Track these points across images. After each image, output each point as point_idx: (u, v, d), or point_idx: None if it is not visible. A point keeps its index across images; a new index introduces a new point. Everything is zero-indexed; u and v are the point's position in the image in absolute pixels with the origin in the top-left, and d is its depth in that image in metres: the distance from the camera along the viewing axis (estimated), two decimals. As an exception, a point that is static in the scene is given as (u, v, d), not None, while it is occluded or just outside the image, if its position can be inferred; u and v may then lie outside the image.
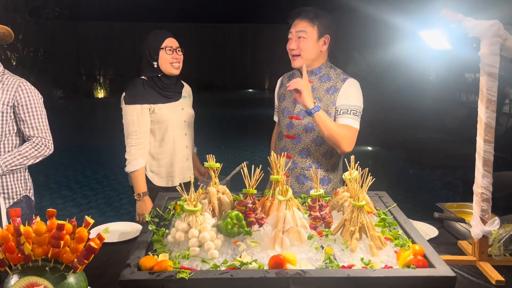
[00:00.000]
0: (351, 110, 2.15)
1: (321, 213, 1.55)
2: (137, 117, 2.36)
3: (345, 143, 2.09)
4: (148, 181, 2.44)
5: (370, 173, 1.56)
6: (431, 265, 1.34)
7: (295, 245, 1.45)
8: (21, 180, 2.26)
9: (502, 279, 1.52)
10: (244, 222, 1.48)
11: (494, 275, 1.54)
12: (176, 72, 2.46)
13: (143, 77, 2.45)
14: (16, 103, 2.14)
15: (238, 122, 12.65)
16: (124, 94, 2.41)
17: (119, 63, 17.89)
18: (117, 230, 1.94)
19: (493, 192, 1.62)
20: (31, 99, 2.19)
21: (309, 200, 1.64)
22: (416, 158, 7.61)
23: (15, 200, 2.23)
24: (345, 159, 1.68)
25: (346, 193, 1.65)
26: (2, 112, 2.12)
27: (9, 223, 1.29)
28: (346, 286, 1.26)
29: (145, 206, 2.38)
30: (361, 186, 1.53)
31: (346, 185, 1.69)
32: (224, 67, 22.75)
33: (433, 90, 10.80)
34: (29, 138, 2.20)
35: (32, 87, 2.21)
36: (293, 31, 2.18)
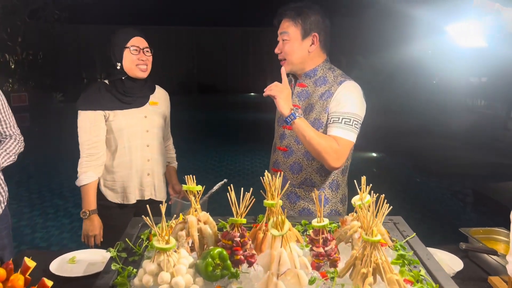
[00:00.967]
0: (342, 119, 1.80)
1: (326, 249, 1.26)
2: (89, 125, 2.09)
3: (331, 157, 1.76)
4: (102, 197, 2.15)
5: (374, 180, 1.26)
6: (466, 322, 1.04)
7: (293, 291, 1.15)
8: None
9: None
10: (229, 262, 1.18)
11: (540, 327, 1.25)
12: (142, 75, 2.15)
13: (106, 80, 2.18)
14: None
15: (240, 126, 12.41)
16: (79, 98, 2.14)
17: (119, 66, 17.67)
18: (85, 260, 1.65)
19: (507, 202, 1.34)
20: (2, 99, 2.10)
21: (310, 230, 1.35)
22: (423, 165, 7.33)
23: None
24: (355, 181, 1.39)
25: (356, 222, 1.35)
26: None
27: None
28: None
29: (92, 226, 2.08)
30: (375, 216, 1.23)
31: (356, 212, 1.40)
32: (226, 71, 22.60)
33: (439, 95, 10.52)
34: (6, 137, 2.12)
35: None
36: (279, 33, 1.94)
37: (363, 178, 1.39)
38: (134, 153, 2.16)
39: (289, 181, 1.91)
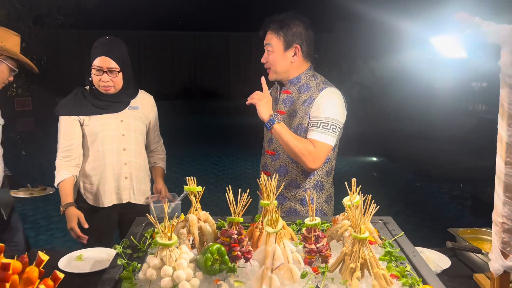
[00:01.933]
0: (321, 123, 1.91)
1: (318, 245, 1.35)
2: (64, 129, 2.18)
3: (307, 159, 1.87)
4: (82, 200, 2.24)
5: (374, 184, 1.35)
6: (445, 313, 1.13)
7: (286, 284, 1.24)
8: None
9: (528, 324, 1.31)
10: (227, 257, 1.27)
11: (518, 320, 1.33)
12: (107, 93, 2.18)
13: (86, 86, 2.26)
14: None
15: (241, 131, 12.49)
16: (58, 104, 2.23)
17: (122, 71, 17.82)
18: (91, 258, 1.75)
19: None
20: None
21: (304, 229, 1.44)
22: (423, 169, 7.39)
23: None
24: (345, 182, 1.48)
25: (346, 222, 1.44)
26: None
27: None
28: None
29: (68, 220, 2.10)
30: (363, 214, 1.32)
31: (347, 212, 1.48)
32: (228, 76, 22.69)
33: (440, 99, 10.58)
34: None
35: None
36: (264, 44, 2.06)
37: (353, 180, 1.48)
38: (109, 157, 2.20)
39: (283, 183, 2.00)
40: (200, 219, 1.40)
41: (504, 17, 1.37)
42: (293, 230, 1.56)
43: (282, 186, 1.59)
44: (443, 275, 1.62)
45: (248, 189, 1.40)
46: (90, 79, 2.20)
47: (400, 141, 8.74)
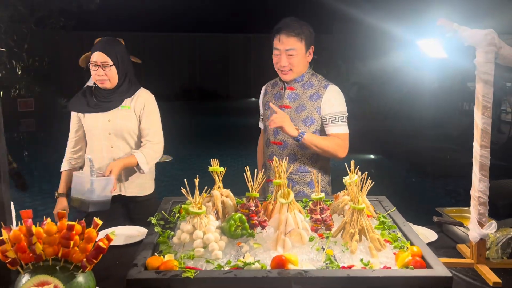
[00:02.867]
0: (338, 117, 2.25)
1: (322, 216, 1.60)
2: (71, 124, 2.47)
3: (339, 152, 2.22)
4: None
5: (372, 180, 1.60)
6: (428, 266, 1.37)
7: (296, 246, 1.49)
8: None
9: (499, 280, 1.55)
10: (247, 224, 1.52)
11: (492, 277, 1.58)
12: (102, 86, 2.35)
13: (91, 84, 2.46)
14: None
15: (241, 131, 12.68)
16: None
17: (123, 73, 18.02)
18: (123, 234, 1.98)
19: (495, 200, 1.66)
20: None
21: (310, 203, 1.69)
22: (419, 166, 7.64)
23: None
24: (345, 164, 1.73)
25: (347, 197, 1.69)
26: None
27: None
28: (345, 286, 1.30)
29: (59, 206, 2.44)
30: (361, 190, 1.57)
31: (347, 189, 1.73)
32: (227, 76, 22.88)
33: (436, 99, 10.85)
34: None
35: None
36: (282, 49, 2.22)
37: (352, 162, 1.73)
38: (97, 152, 2.39)
39: (292, 165, 2.26)
40: (223, 194, 1.65)
41: (478, 23, 1.62)
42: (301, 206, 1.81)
43: (291, 168, 1.84)
44: (430, 246, 1.84)
45: (263, 169, 1.65)
46: (91, 76, 2.41)
47: (397, 139, 8.99)
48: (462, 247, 1.84)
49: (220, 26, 20.70)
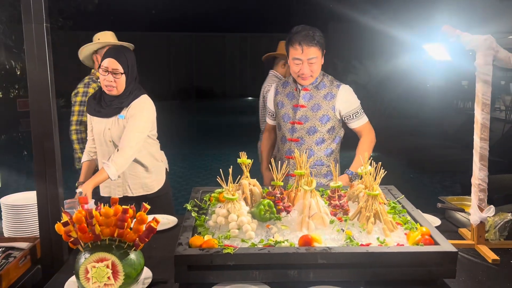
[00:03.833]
0: (360, 111, 2.53)
1: (340, 202, 1.79)
2: (87, 122, 2.58)
3: (373, 140, 2.56)
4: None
5: (380, 166, 1.79)
6: (436, 243, 1.57)
7: (319, 228, 1.68)
8: None
9: (498, 258, 1.76)
10: (274, 209, 1.71)
11: (491, 255, 1.78)
12: (108, 93, 2.39)
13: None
14: None
15: (238, 130, 12.85)
16: None
17: (121, 72, 18.13)
18: (154, 222, 2.16)
19: (490, 194, 1.85)
20: None
21: (328, 191, 1.88)
22: (416, 163, 7.85)
23: None
24: (360, 156, 1.92)
25: (361, 185, 1.89)
26: None
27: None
28: (365, 260, 1.49)
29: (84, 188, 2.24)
30: (375, 179, 1.77)
31: (361, 178, 1.93)
32: (224, 76, 23.01)
33: (432, 98, 11.08)
34: None
35: None
36: (304, 58, 2.36)
37: (366, 154, 1.92)
38: (100, 157, 2.51)
39: (312, 156, 2.47)
40: (250, 183, 1.84)
41: (480, 28, 1.82)
42: (318, 194, 2.00)
43: (310, 160, 2.03)
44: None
45: (286, 161, 1.84)
46: (99, 80, 2.54)
47: (395, 137, 9.21)
48: (463, 231, 2.04)
49: (216, 25, 20.85)
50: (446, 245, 1.54)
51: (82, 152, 2.97)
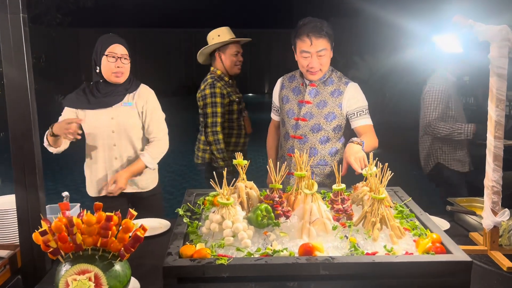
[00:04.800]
0: (365, 110, 2.36)
1: (343, 206, 1.66)
2: (62, 116, 2.38)
3: (376, 142, 2.32)
4: (85, 193, 2.47)
5: (386, 167, 1.66)
6: (448, 252, 1.45)
7: (320, 235, 1.55)
8: None
9: (513, 265, 1.63)
10: (272, 214, 1.58)
11: (506, 263, 1.65)
12: (117, 81, 2.33)
13: (92, 82, 2.41)
14: None
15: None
16: None
17: (120, 69, 18.03)
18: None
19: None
20: None
21: (330, 194, 1.75)
22: (418, 159, 7.71)
23: None
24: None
25: (365, 188, 1.76)
26: None
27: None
28: (371, 271, 1.37)
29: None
30: (381, 181, 1.64)
31: (365, 180, 1.80)
32: (224, 72, 22.88)
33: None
34: None
35: None
36: (313, 51, 2.23)
37: (371, 154, 1.79)
38: (100, 151, 2.38)
39: (313, 157, 2.34)
40: (247, 186, 1.71)
41: (493, 18, 1.69)
42: (320, 197, 1.87)
43: (312, 159, 1.90)
44: (443, 234, 1.94)
45: (285, 162, 1.71)
46: (97, 70, 2.33)
47: (397, 133, 9.07)
48: (474, 235, 1.91)
49: (217, 21, 20.69)
50: (459, 253, 1.42)
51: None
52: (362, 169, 1.96)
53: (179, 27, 21.18)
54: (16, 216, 1.74)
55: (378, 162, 1.70)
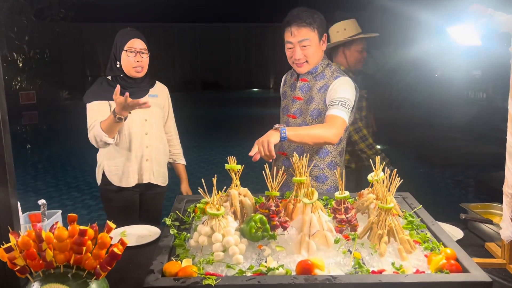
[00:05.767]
0: (339, 101, 2.04)
1: (347, 216, 1.51)
2: (97, 109, 2.28)
3: (329, 135, 1.93)
4: (107, 181, 2.40)
5: (395, 174, 1.50)
6: (464, 270, 1.29)
7: (321, 249, 1.40)
8: None
9: (536, 283, 1.47)
10: (268, 225, 1.43)
11: (527, 279, 1.49)
12: (138, 75, 2.35)
13: (108, 76, 2.38)
14: None
15: (243, 122, 12.61)
16: (85, 93, 2.36)
17: (124, 64, 17.92)
18: (134, 234, 1.90)
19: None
20: None
21: (333, 202, 1.60)
22: (426, 156, 7.55)
23: None
24: (370, 160, 1.63)
25: (372, 195, 1.60)
26: None
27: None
28: (378, 292, 1.21)
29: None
30: (388, 189, 1.48)
31: (371, 187, 1.64)
32: (229, 67, 22.75)
33: (442, 88, 10.71)
34: None
35: None
36: (294, 41, 2.11)
37: (377, 158, 1.63)
38: (134, 140, 2.35)
39: (314, 161, 2.18)
40: (241, 194, 1.56)
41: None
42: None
43: (312, 164, 1.74)
44: (457, 244, 1.77)
45: (283, 167, 1.55)
46: (118, 65, 2.32)
47: (403, 128, 8.89)
48: (491, 246, 1.75)
49: (220, 16, 20.51)
50: (477, 272, 1.26)
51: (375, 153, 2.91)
52: (259, 155, 1.77)
53: (183, 21, 21.02)
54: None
55: (386, 168, 1.54)
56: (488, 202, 2.04)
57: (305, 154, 1.63)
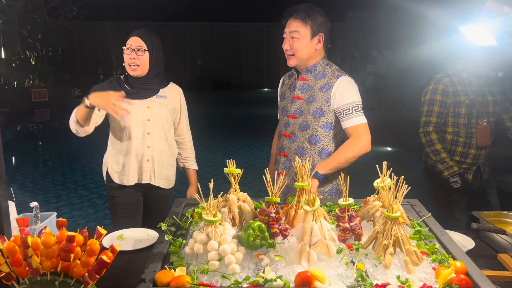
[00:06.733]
0: (352, 108, 2.08)
1: (351, 224, 1.43)
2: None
3: (361, 148, 2.04)
4: (109, 178, 2.39)
5: (402, 180, 1.43)
6: (475, 285, 1.20)
7: (323, 259, 1.33)
8: None
9: (552, 299, 1.38)
10: (267, 233, 1.36)
11: (543, 295, 1.40)
12: (133, 73, 2.31)
13: (122, 76, 2.40)
14: None
15: (254, 122, 12.54)
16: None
17: (135, 62, 17.99)
18: (131, 237, 1.85)
19: None
20: None
21: (336, 209, 1.52)
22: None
23: None
24: (377, 165, 1.55)
25: (378, 202, 1.52)
26: None
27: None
28: (381, 308, 1.14)
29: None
30: (395, 196, 1.40)
31: (378, 193, 1.56)
32: (240, 66, 22.71)
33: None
34: None
35: None
36: (287, 31, 2.15)
37: (384, 163, 1.55)
38: (134, 139, 2.33)
39: (302, 156, 2.14)
40: (240, 199, 1.49)
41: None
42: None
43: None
44: (468, 255, 1.68)
45: (284, 172, 1.48)
46: (123, 64, 2.34)
47: (414, 131, 8.73)
48: (504, 258, 1.66)
49: (232, 15, 20.49)
50: (489, 289, 1.17)
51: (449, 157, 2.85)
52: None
53: (194, 20, 21.04)
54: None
55: (393, 174, 1.46)
56: (503, 211, 1.95)
57: (308, 158, 1.56)
